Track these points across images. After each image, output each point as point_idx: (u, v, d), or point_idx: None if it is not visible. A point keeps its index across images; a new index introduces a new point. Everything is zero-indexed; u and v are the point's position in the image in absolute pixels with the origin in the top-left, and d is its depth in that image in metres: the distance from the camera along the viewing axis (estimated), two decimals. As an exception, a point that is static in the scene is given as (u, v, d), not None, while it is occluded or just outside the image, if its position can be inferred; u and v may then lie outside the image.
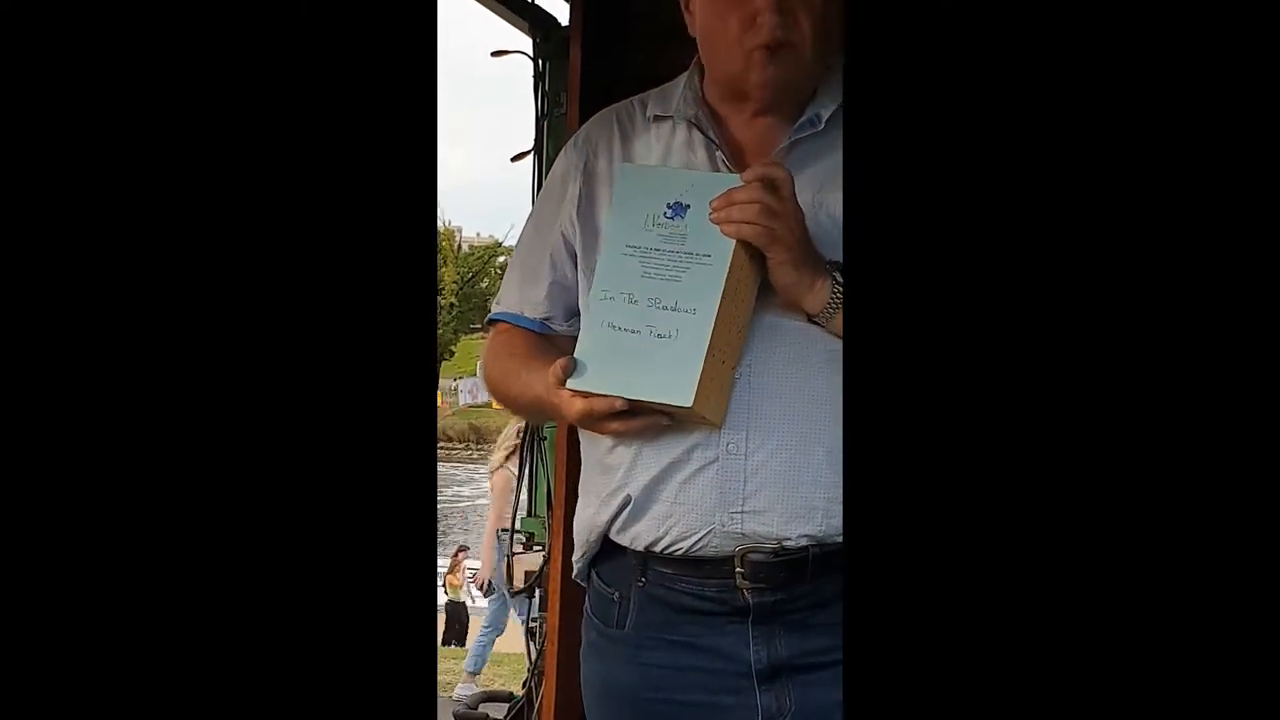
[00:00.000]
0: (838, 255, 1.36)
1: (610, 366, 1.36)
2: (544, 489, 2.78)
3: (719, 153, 1.45)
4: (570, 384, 1.37)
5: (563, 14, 2.74)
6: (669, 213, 1.37)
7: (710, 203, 1.35)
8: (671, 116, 1.49)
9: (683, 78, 1.51)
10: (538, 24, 2.79)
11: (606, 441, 1.45)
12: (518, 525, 2.96)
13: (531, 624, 2.78)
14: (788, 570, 1.39)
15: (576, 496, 1.57)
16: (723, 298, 1.33)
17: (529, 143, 2.78)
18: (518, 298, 1.54)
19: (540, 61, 2.78)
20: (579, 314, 1.49)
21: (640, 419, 1.37)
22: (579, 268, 1.49)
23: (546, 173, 2.71)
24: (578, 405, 1.37)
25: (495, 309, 1.57)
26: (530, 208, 2.72)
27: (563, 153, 1.57)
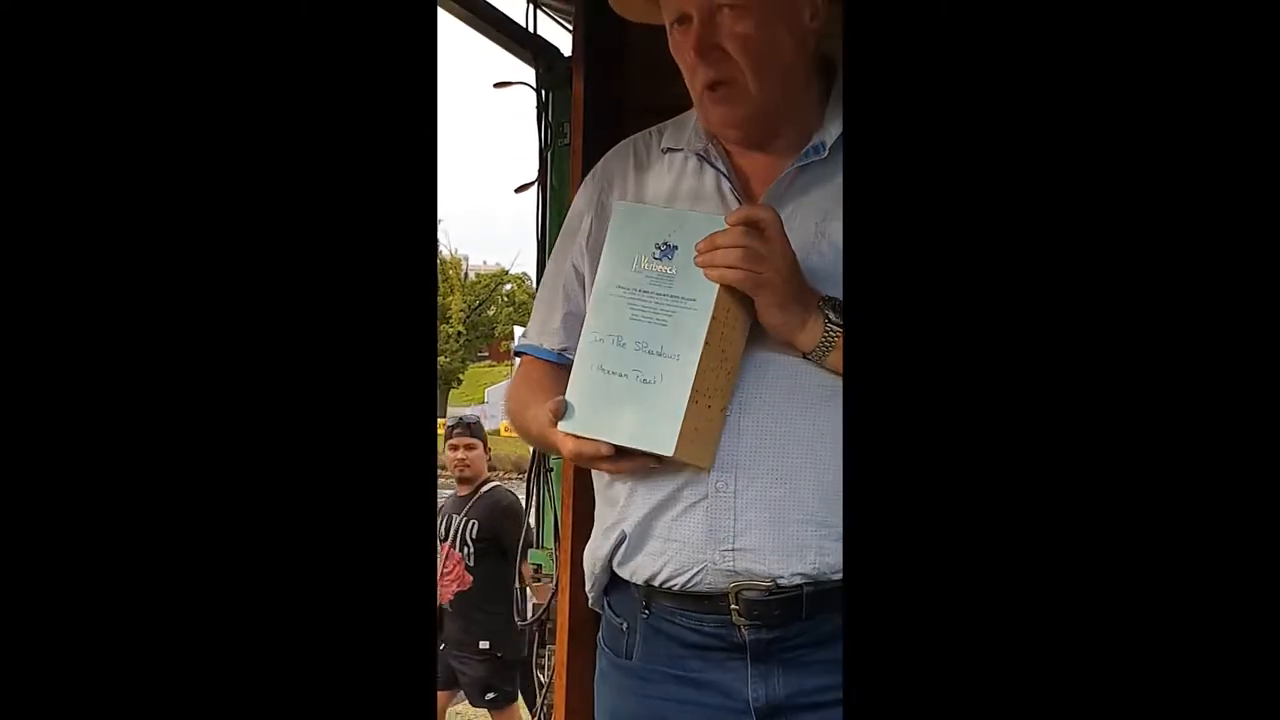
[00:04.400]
0: (840, 288, 1.34)
1: (597, 410, 1.37)
2: (551, 520, 2.77)
3: (726, 183, 1.45)
4: (561, 426, 1.38)
5: (565, 44, 2.75)
6: (658, 253, 1.37)
7: (695, 245, 1.34)
8: (683, 149, 1.50)
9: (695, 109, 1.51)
10: (540, 54, 2.80)
11: (605, 476, 1.47)
12: (527, 557, 2.94)
13: (539, 658, 2.76)
14: (782, 608, 1.38)
15: (584, 528, 1.57)
16: (705, 345, 1.32)
17: (534, 173, 2.78)
18: (537, 329, 1.56)
19: (543, 92, 2.78)
20: None
21: (629, 461, 1.38)
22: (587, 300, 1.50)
23: (551, 202, 2.73)
24: (569, 446, 1.39)
25: (519, 341, 1.59)
26: (534, 237, 2.75)
27: (582, 185, 1.59)
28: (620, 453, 1.37)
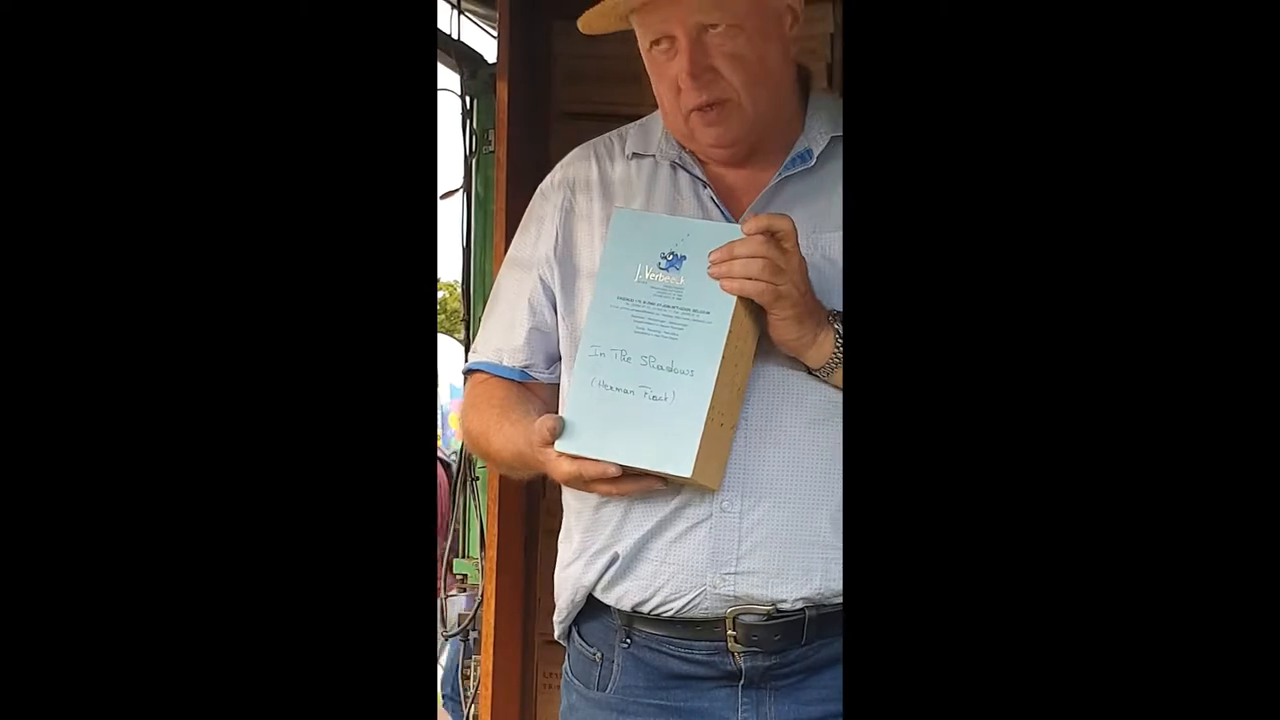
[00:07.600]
0: (838, 300, 1.29)
1: (602, 429, 1.28)
2: (476, 530, 2.74)
3: (707, 191, 1.40)
4: (559, 445, 1.29)
5: (490, 50, 2.73)
6: (664, 264, 1.29)
7: (709, 255, 1.27)
8: (652, 155, 1.43)
9: (660, 113, 1.46)
10: (464, 60, 2.78)
11: (594, 497, 1.37)
12: (452, 567, 2.91)
13: (465, 668, 2.73)
14: (783, 633, 1.34)
15: (509, 537, 1.54)
16: (722, 361, 1.26)
17: (458, 180, 2.76)
18: (495, 345, 1.47)
19: (467, 99, 2.76)
20: (560, 359, 1.44)
21: (632, 482, 1.30)
22: (559, 311, 1.43)
23: (475, 210, 2.71)
24: (565, 467, 1.30)
25: (472, 358, 1.49)
26: (459, 244, 2.72)
27: (539, 193, 1.50)
28: (625, 473, 1.29)
